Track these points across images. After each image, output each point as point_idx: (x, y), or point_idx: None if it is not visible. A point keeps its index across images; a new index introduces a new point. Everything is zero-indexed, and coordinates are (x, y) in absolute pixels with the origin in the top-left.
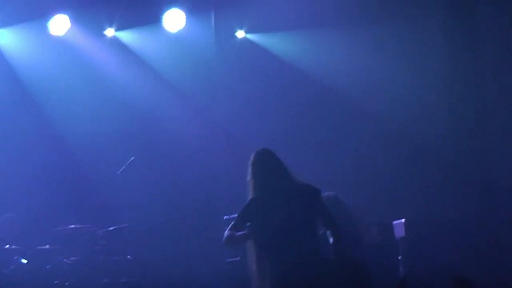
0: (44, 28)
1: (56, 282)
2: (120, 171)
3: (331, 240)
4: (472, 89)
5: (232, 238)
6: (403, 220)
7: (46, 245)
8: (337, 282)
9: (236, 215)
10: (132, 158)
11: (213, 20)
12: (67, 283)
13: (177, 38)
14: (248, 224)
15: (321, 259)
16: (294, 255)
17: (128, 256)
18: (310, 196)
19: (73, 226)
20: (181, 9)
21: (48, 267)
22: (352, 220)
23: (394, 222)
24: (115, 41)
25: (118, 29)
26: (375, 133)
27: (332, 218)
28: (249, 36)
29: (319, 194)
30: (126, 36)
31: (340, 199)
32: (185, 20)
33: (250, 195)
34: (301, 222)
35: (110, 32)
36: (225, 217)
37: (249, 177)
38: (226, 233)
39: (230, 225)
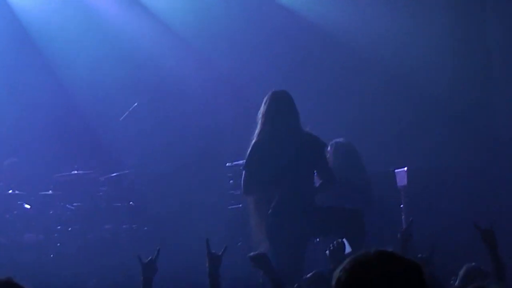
0: None
1: (58, 227)
2: (122, 117)
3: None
4: (477, 40)
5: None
6: (405, 168)
7: (48, 190)
8: (331, 229)
9: (238, 161)
10: (135, 104)
11: None
12: (70, 228)
13: None
14: None
15: (316, 208)
16: (291, 204)
17: (131, 203)
18: (314, 148)
19: (75, 172)
20: None
21: (50, 212)
22: (362, 171)
23: (396, 170)
24: None
25: None
26: (382, 83)
27: (332, 174)
28: None
29: (323, 148)
30: None
31: (353, 146)
32: None
33: (255, 133)
34: (300, 172)
35: None
36: (227, 164)
37: (259, 114)
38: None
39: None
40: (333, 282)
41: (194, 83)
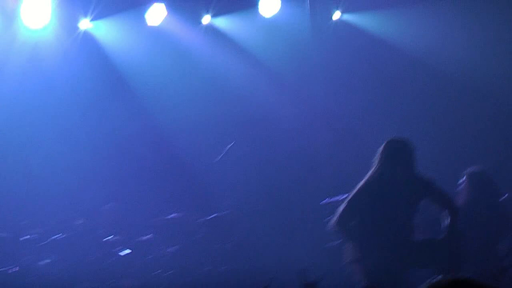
0: (141, 19)
1: (158, 271)
2: (219, 157)
3: (446, 221)
4: None
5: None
6: None
7: (147, 235)
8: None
9: (336, 198)
10: (232, 143)
11: (308, 1)
12: (169, 272)
13: (272, 23)
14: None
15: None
16: (389, 243)
17: (230, 243)
18: (419, 189)
19: (173, 215)
20: None
21: (149, 257)
22: (498, 198)
23: None
24: (210, 28)
25: (214, 15)
26: (471, 108)
27: (448, 200)
28: (345, 16)
29: (429, 184)
30: (222, 23)
31: (487, 175)
32: (280, 3)
33: (364, 180)
34: (401, 218)
35: (206, 19)
36: (323, 201)
37: (375, 158)
38: (335, 220)
39: (339, 212)
40: None
41: (288, 118)
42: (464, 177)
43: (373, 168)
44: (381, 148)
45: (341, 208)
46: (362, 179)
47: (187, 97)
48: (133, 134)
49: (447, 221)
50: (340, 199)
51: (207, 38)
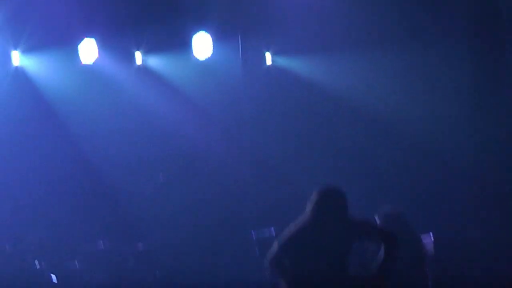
0: (75, 56)
1: None
2: (149, 191)
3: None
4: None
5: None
6: (431, 236)
7: (76, 263)
8: None
9: (265, 230)
10: (162, 178)
11: (240, 44)
12: None
13: (205, 62)
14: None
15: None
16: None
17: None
18: (352, 232)
19: (102, 244)
20: (208, 33)
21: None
22: (416, 240)
23: (423, 236)
24: (144, 67)
25: (147, 53)
26: (402, 152)
27: (385, 235)
28: (275, 59)
29: (362, 226)
30: (155, 61)
31: (403, 216)
32: (212, 44)
33: (296, 225)
34: (335, 264)
35: (139, 58)
36: (252, 232)
37: (306, 210)
38: (271, 257)
39: (272, 253)
40: None
41: (218, 159)
42: (377, 217)
43: (305, 213)
44: (313, 196)
45: (274, 248)
46: (295, 222)
47: (120, 133)
48: (64, 167)
49: (382, 257)
50: (266, 234)
51: (140, 76)
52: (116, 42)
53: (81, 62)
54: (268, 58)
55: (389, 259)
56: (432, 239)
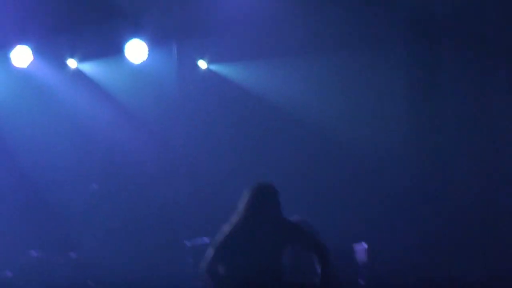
0: (7, 59)
1: None
2: (83, 197)
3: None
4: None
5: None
6: (365, 245)
7: (8, 273)
8: None
9: (198, 239)
10: (94, 185)
11: (175, 51)
12: None
13: (139, 69)
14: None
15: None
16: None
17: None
18: (285, 233)
19: (35, 253)
20: (143, 40)
21: None
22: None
23: (356, 245)
24: (77, 72)
25: (81, 60)
26: (334, 158)
27: (315, 244)
28: (211, 66)
29: (295, 229)
30: (89, 67)
31: (309, 223)
32: (147, 51)
33: (232, 220)
34: (269, 264)
35: (72, 63)
36: (186, 243)
37: (240, 203)
38: (205, 264)
39: (207, 259)
40: None
41: (152, 165)
42: None
43: (238, 214)
44: (246, 193)
45: (208, 254)
46: (227, 224)
47: (53, 139)
48: None
49: (318, 265)
50: (201, 242)
51: (74, 82)
52: (49, 48)
53: (14, 66)
54: (203, 64)
55: (324, 268)
56: (365, 247)
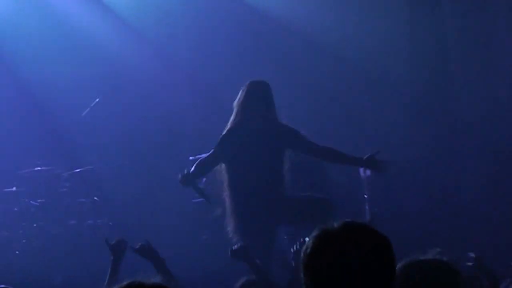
0: None
1: (23, 224)
2: (84, 113)
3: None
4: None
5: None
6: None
7: (12, 187)
8: (300, 220)
9: (201, 155)
10: (97, 100)
11: None
12: (35, 225)
13: None
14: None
15: (286, 198)
16: (260, 194)
17: (95, 198)
18: (285, 136)
19: (38, 168)
20: None
21: (15, 209)
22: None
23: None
24: None
25: None
26: (346, 75)
27: (316, 148)
28: None
29: (295, 133)
30: None
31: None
32: None
33: (229, 121)
34: (270, 161)
35: None
36: (190, 157)
37: (235, 102)
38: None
39: (202, 159)
40: (301, 254)
41: (154, 78)
42: None
43: (234, 113)
44: (242, 91)
45: (204, 156)
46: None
47: (53, 52)
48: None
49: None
50: (204, 156)
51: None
52: None
53: None
54: None
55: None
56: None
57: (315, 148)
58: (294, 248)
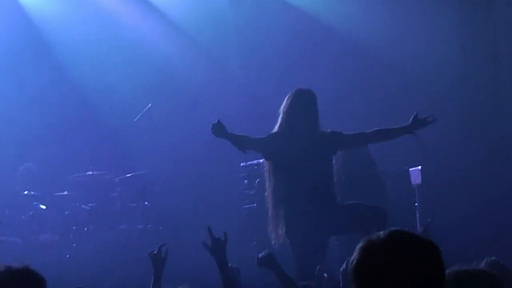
0: None
1: (74, 228)
2: (137, 118)
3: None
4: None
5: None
6: (419, 167)
7: (64, 191)
8: (352, 228)
9: (253, 161)
10: (149, 105)
11: None
12: (85, 229)
13: None
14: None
15: (338, 205)
16: (311, 202)
17: (146, 203)
18: (332, 143)
19: (90, 173)
20: None
21: (66, 213)
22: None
23: (410, 169)
24: None
25: None
26: (389, 83)
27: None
28: None
29: (339, 135)
30: None
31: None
32: None
33: (275, 128)
34: (319, 168)
35: None
36: (241, 163)
37: (281, 109)
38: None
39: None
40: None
41: (207, 85)
42: None
43: (280, 119)
44: (288, 98)
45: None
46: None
47: (107, 58)
48: (52, 93)
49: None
50: (255, 162)
51: (130, 5)
52: None
53: None
54: None
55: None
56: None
57: (363, 137)
58: (343, 267)
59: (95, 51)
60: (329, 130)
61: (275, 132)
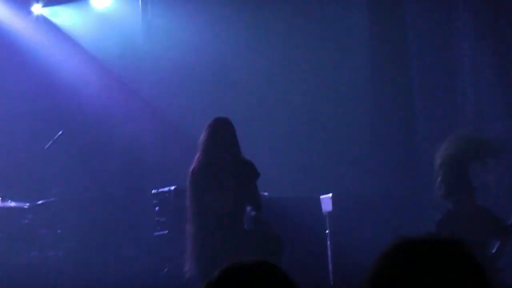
0: None
1: None
2: (47, 145)
3: (252, 212)
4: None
5: None
6: (330, 194)
7: None
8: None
9: (164, 189)
10: (60, 132)
11: None
12: None
13: (104, 15)
14: None
15: (243, 232)
16: (225, 232)
17: (58, 231)
18: (249, 175)
19: None
20: None
21: None
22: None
23: (321, 196)
24: (42, 18)
25: (45, 5)
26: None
27: (259, 201)
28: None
29: (256, 176)
30: (54, 13)
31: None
32: None
33: (194, 159)
34: (237, 198)
35: (37, 8)
36: (153, 191)
37: (200, 141)
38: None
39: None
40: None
41: (118, 111)
42: None
43: (200, 150)
44: (207, 128)
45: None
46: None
47: (15, 87)
48: None
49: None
50: (166, 190)
51: (38, 28)
52: None
53: None
54: None
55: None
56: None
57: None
58: None
59: (4, 80)
60: (249, 162)
61: (192, 168)
